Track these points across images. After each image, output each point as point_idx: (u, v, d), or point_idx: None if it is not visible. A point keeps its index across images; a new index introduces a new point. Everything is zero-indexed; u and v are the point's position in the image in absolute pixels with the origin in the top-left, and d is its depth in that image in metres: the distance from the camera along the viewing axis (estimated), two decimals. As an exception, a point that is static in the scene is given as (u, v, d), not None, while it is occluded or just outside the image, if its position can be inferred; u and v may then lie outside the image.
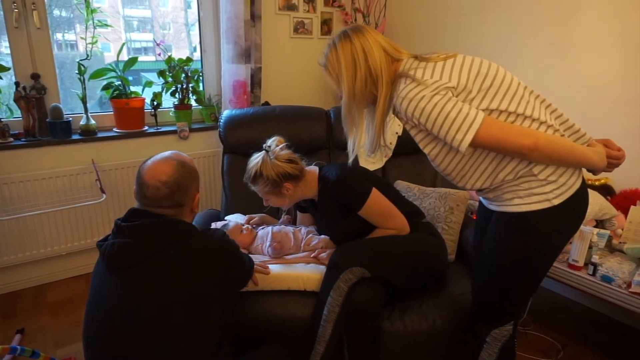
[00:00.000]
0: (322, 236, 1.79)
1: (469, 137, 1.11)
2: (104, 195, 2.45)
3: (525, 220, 1.23)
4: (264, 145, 1.68)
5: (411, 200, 2.00)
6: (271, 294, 1.61)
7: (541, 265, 1.31)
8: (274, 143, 1.68)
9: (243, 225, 1.85)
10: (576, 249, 1.81)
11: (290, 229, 1.84)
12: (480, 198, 1.43)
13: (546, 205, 1.20)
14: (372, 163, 2.29)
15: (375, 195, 1.64)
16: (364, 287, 1.51)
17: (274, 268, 1.64)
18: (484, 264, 1.37)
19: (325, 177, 1.70)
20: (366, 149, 1.39)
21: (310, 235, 1.81)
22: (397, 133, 2.30)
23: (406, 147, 2.34)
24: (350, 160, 1.41)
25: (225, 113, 2.32)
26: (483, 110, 1.16)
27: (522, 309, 1.78)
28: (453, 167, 1.28)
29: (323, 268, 1.63)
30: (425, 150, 1.29)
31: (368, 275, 1.51)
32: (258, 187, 1.67)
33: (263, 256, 1.75)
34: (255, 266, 1.57)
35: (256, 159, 1.66)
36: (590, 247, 1.83)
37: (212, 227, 1.96)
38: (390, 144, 2.30)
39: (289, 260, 1.72)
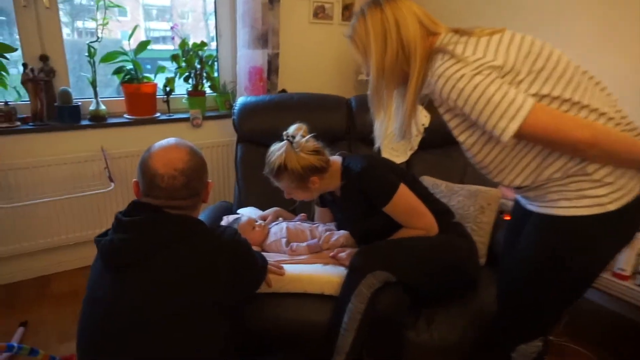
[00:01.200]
0: (342, 231, 1.65)
1: (514, 126, 0.95)
2: (113, 184, 2.34)
3: (572, 226, 1.06)
4: (286, 135, 1.53)
5: (438, 198, 1.84)
6: (285, 297, 1.48)
7: (583, 278, 1.14)
8: (298, 133, 1.53)
9: (256, 221, 1.72)
10: (623, 257, 1.64)
11: (307, 225, 1.70)
12: (518, 196, 1.26)
13: (599, 210, 1.03)
14: (395, 156, 2.13)
15: (403, 190, 1.49)
16: (389, 293, 1.36)
17: (289, 268, 1.50)
18: (516, 269, 1.21)
19: (349, 169, 1.56)
20: (395, 133, 1.23)
21: (328, 232, 1.67)
22: (423, 125, 2.14)
23: (433, 141, 2.18)
24: (377, 145, 1.27)
25: (240, 100, 2.19)
26: (532, 95, 1.00)
27: (555, 325, 1.63)
28: (491, 160, 1.12)
29: (343, 270, 1.49)
30: (460, 138, 1.13)
31: (393, 280, 1.37)
32: (282, 182, 1.53)
33: (277, 254, 1.62)
34: (268, 266, 1.43)
35: (279, 150, 1.51)
36: (639, 255, 1.66)
37: (223, 220, 1.83)
38: (417, 135, 2.14)
39: (305, 260, 1.58)
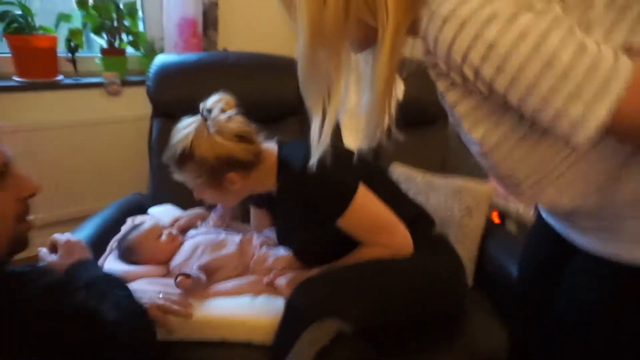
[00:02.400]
0: (282, 251, 1.20)
1: (602, 112, 0.48)
2: (-11, 170, 1.78)
3: None
4: (202, 107, 1.06)
5: (412, 195, 1.40)
6: (195, 348, 1.02)
7: None
8: (218, 105, 1.06)
9: (164, 229, 1.24)
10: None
11: (234, 239, 1.23)
12: (550, 218, 0.81)
13: None
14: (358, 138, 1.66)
15: (363, 197, 1.05)
16: (343, 350, 0.92)
17: (203, 306, 1.04)
18: (565, 337, 0.77)
19: (287, 164, 1.09)
20: (364, 133, 0.76)
21: (265, 249, 1.21)
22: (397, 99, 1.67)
23: (407, 118, 1.71)
24: (314, 160, 0.78)
25: (158, 59, 1.66)
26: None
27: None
28: (527, 167, 0.64)
29: (281, 303, 1.05)
30: (475, 135, 0.65)
31: (349, 331, 0.92)
32: (185, 174, 1.06)
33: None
34: (165, 303, 0.97)
35: (185, 128, 1.05)
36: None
37: (126, 223, 1.35)
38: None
39: (229, 290, 1.12)
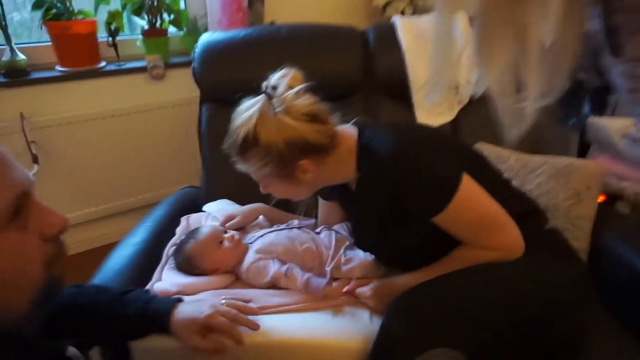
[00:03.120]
0: (363, 255, 1.02)
1: None
2: (36, 167, 1.70)
3: None
4: (265, 85, 0.90)
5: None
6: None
7: None
8: (283, 81, 0.89)
9: (225, 233, 1.09)
10: None
11: (307, 237, 1.07)
12: None
13: None
14: (437, 115, 1.44)
15: (468, 190, 0.85)
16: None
17: (271, 322, 0.89)
18: None
19: (369, 150, 0.90)
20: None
21: (343, 251, 1.04)
22: (478, 65, 1.43)
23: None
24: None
25: (203, 38, 1.49)
26: None
27: None
28: None
29: (365, 319, 0.88)
30: None
31: (460, 361, 0.74)
32: (250, 164, 0.91)
33: (252, 290, 1.00)
34: (230, 311, 0.84)
35: (247, 110, 0.88)
36: None
37: (180, 225, 1.22)
38: (467, 82, 1.44)
39: (300, 304, 0.96)
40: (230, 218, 1.18)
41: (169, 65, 2.00)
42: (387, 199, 0.89)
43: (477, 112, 1.49)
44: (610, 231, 1.15)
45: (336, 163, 0.92)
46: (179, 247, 1.05)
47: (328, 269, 1.00)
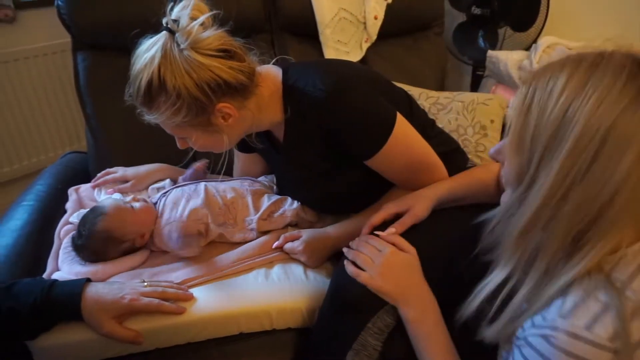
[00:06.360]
0: (294, 203, 0.97)
1: None
2: None
3: None
4: (166, 21, 0.74)
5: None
6: (208, 345, 0.80)
7: None
8: (185, 12, 0.74)
9: (125, 200, 0.94)
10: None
11: (233, 185, 0.98)
12: None
13: None
14: (345, 52, 1.38)
15: (402, 128, 0.82)
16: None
17: (201, 295, 0.80)
18: None
19: (298, 90, 0.82)
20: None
21: (269, 198, 0.97)
22: (386, 0, 1.38)
23: (395, 25, 1.44)
24: None
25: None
26: None
27: None
28: None
29: (300, 275, 0.84)
30: None
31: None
32: (157, 114, 0.77)
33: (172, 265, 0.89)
34: (156, 290, 0.76)
35: (147, 51, 0.74)
36: None
37: (70, 199, 1.03)
38: (376, 18, 1.38)
39: (230, 262, 0.88)
40: (123, 180, 1.05)
41: (19, 5, 1.64)
42: (320, 142, 0.83)
43: (381, 50, 1.46)
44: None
45: (259, 106, 0.82)
46: (85, 233, 0.85)
47: (254, 218, 0.92)
